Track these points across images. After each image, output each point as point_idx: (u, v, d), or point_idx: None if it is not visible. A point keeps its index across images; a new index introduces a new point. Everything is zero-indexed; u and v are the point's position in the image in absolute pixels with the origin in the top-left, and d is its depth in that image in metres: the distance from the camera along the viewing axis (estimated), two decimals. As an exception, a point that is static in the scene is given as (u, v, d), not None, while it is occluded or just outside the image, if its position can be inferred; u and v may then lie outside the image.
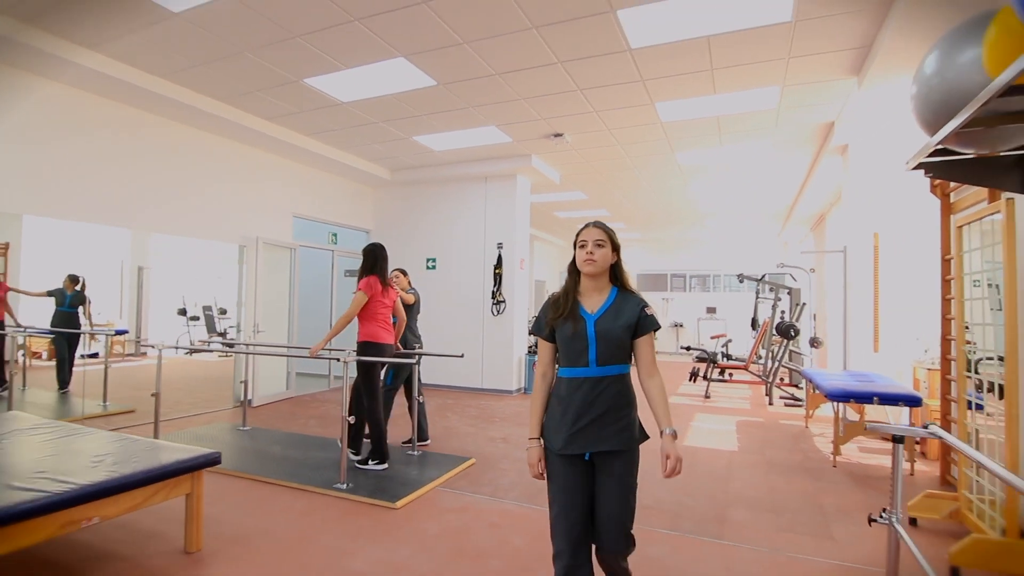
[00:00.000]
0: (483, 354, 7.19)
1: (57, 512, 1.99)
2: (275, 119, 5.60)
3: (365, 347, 3.76)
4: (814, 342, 7.21)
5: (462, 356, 4.67)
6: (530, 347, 7.53)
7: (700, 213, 10.36)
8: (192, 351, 7.12)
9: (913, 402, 3.84)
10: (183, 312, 7.93)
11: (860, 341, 5.71)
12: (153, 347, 4.29)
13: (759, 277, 8.22)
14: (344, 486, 3.29)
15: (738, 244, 14.36)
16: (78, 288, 5.17)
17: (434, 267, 7.66)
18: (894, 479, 1.94)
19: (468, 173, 7.22)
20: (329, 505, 3.09)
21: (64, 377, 5.36)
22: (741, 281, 8.14)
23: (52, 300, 5.12)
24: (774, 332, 7.26)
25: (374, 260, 3.84)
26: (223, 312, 8.09)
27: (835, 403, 4.20)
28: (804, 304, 7.57)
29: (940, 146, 2.38)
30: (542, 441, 1.70)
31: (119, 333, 6.05)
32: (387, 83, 4.59)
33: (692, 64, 4.12)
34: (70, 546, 2.48)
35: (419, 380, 4.30)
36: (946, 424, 3.51)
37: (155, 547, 2.51)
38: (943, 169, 2.75)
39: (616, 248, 1.74)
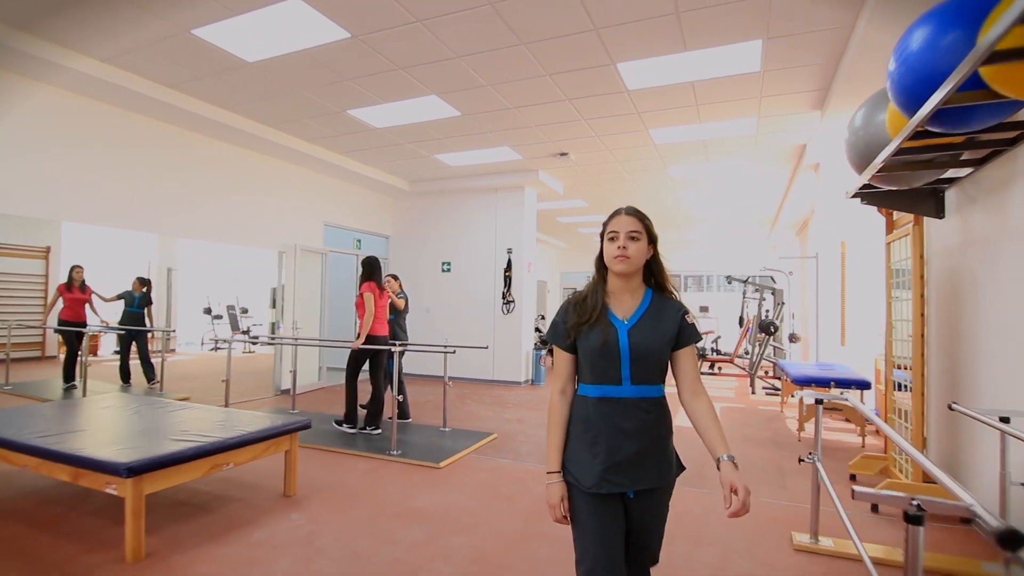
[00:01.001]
0: (495, 348, 7.93)
1: (208, 457, 2.73)
2: (314, 140, 6.33)
3: (368, 339, 4.67)
4: (792, 337, 7.97)
5: (486, 348, 5.45)
6: (535, 343, 8.27)
7: (692, 218, 11.11)
8: (253, 342, 7.82)
9: (863, 386, 4.60)
10: (208, 311, 8.66)
11: (830, 336, 6.48)
12: (226, 342, 5.02)
13: (745, 279, 8.98)
14: (396, 452, 4.03)
15: (730, 246, 15.12)
16: (145, 290, 5.89)
17: (449, 270, 8.40)
18: (816, 432, 2.69)
19: (480, 185, 7.96)
20: (385, 466, 3.83)
21: (125, 369, 6.04)
22: (729, 282, 8.91)
23: (122, 302, 5.84)
24: (758, 329, 8.02)
25: (372, 270, 4.84)
26: (244, 311, 8.83)
27: (799, 386, 4.97)
28: (783, 304, 8.33)
29: (867, 183, 3.14)
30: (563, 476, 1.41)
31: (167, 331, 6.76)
32: (418, 113, 5.32)
33: (680, 101, 4.86)
34: (208, 485, 3.22)
35: (400, 368, 4.96)
36: (888, 403, 4.27)
37: (261, 492, 3.25)
38: (875, 198, 3.52)
39: (653, 240, 1.45)
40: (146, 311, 5.94)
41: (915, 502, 1.34)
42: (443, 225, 8.48)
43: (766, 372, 8.69)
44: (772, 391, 7.52)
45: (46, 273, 5.32)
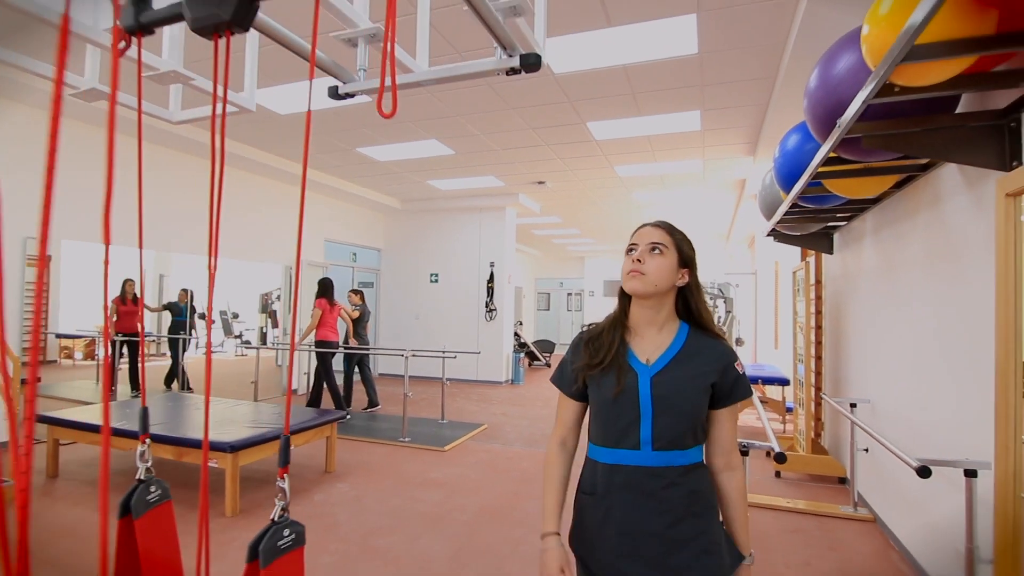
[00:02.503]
0: (479, 351, 8.83)
1: (276, 440, 3.58)
2: (322, 169, 7.13)
3: (320, 344, 5.69)
4: (738, 341, 9.11)
5: (479, 353, 6.38)
6: (514, 346, 9.20)
7: (655, 232, 12.24)
8: (274, 347, 8.49)
9: (784, 382, 5.69)
10: (202, 316, 9.34)
11: (766, 342, 7.61)
12: (254, 346, 5.79)
13: (700, 289, 10.11)
14: (406, 439, 4.92)
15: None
16: (188, 301, 6.56)
17: (436, 280, 9.27)
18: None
19: (466, 205, 8.85)
20: (399, 450, 4.71)
21: (172, 375, 6.52)
22: (686, 291, 10.01)
23: (168, 312, 6.51)
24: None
25: (324, 289, 5.90)
26: (235, 316, 9.53)
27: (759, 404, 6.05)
28: (731, 312, 9.48)
29: (775, 227, 4.17)
30: (561, 540, 1.12)
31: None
32: (418, 151, 6.20)
33: (639, 147, 5.88)
34: (268, 465, 4.05)
35: (368, 367, 6.23)
36: (796, 395, 5.35)
37: (309, 470, 4.10)
38: (783, 237, 4.56)
39: (687, 262, 1.16)
40: (192, 320, 6.61)
41: (781, 454, 2.33)
42: (431, 240, 9.34)
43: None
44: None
45: (47, 280, 5.95)
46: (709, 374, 1.10)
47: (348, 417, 5.60)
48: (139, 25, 0.96)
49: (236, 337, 9.46)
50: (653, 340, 1.15)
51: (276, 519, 0.91)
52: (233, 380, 8.14)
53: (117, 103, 0.98)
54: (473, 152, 6.19)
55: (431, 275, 9.32)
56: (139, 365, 5.92)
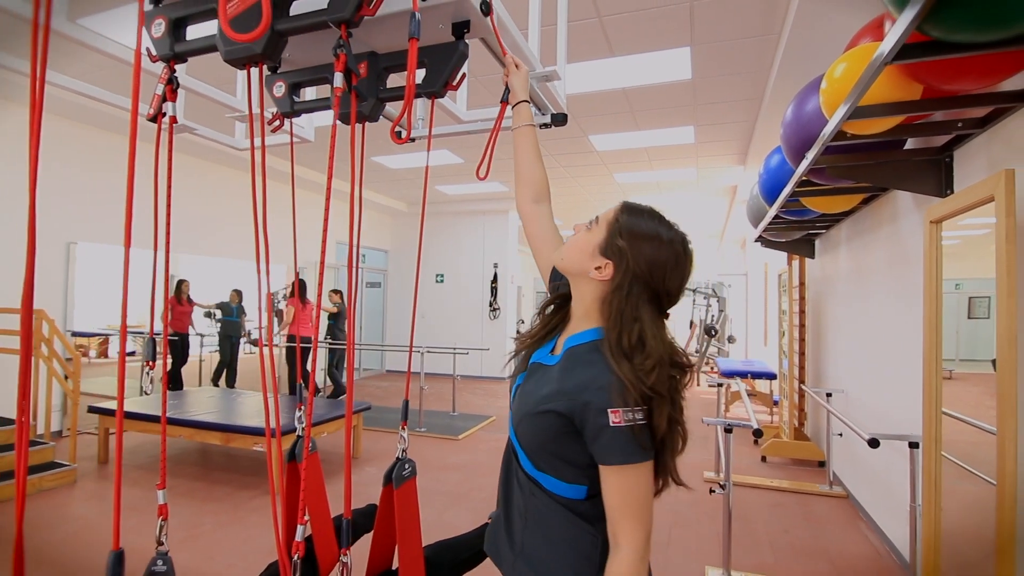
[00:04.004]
0: (487, 348, 9.24)
1: (317, 426, 3.96)
2: (335, 175, 7.49)
3: (291, 338, 6.07)
4: (730, 339, 9.56)
5: (488, 349, 6.78)
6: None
7: (651, 234, 12.68)
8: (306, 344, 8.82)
9: (771, 376, 6.11)
10: (209, 315, 9.70)
11: (756, 339, 8.04)
12: (277, 345, 6.17)
13: (694, 288, 10.54)
14: (422, 428, 5.32)
15: (685, 255, 16.77)
16: (240, 301, 6.92)
17: (442, 281, 9.67)
18: (718, 403, 4.11)
19: (471, 209, 9.24)
20: (417, 439, 5.11)
21: (220, 372, 6.89)
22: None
23: (219, 311, 6.86)
24: (703, 332, 9.57)
25: (296, 288, 6.32)
26: (243, 313, 9.89)
27: (726, 378, 6.46)
28: (724, 311, 9.92)
29: (761, 234, 4.58)
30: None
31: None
32: (433, 159, 6.58)
33: (637, 158, 6.28)
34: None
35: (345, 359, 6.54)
36: (782, 388, 5.78)
37: (336, 455, 4.49)
38: (769, 243, 4.98)
39: (614, 253, 0.88)
40: (242, 319, 6.98)
41: (758, 430, 2.74)
42: (437, 242, 9.73)
43: (711, 368, 10.26)
44: (715, 384, 9.05)
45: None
46: (558, 401, 0.84)
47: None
48: (174, 54, 1.02)
49: (245, 335, 9.81)
50: (566, 334, 0.94)
51: (400, 456, 1.30)
52: (249, 376, 8.54)
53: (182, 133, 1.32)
54: (478, 160, 6.57)
55: (437, 275, 9.71)
56: (181, 364, 6.27)
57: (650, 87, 4.31)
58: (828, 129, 1.96)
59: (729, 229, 10.34)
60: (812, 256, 4.93)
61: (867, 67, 1.53)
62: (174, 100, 1.07)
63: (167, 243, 1.11)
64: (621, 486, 0.80)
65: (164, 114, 1.07)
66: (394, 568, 1.29)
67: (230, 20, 0.87)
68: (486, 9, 1.14)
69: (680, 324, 15.44)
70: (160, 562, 1.08)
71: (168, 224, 0.95)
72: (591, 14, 3.27)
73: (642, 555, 0.79)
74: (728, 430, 2.65)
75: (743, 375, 6.22)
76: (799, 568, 2.76)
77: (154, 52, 1.08)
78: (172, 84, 1.07)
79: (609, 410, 0.79)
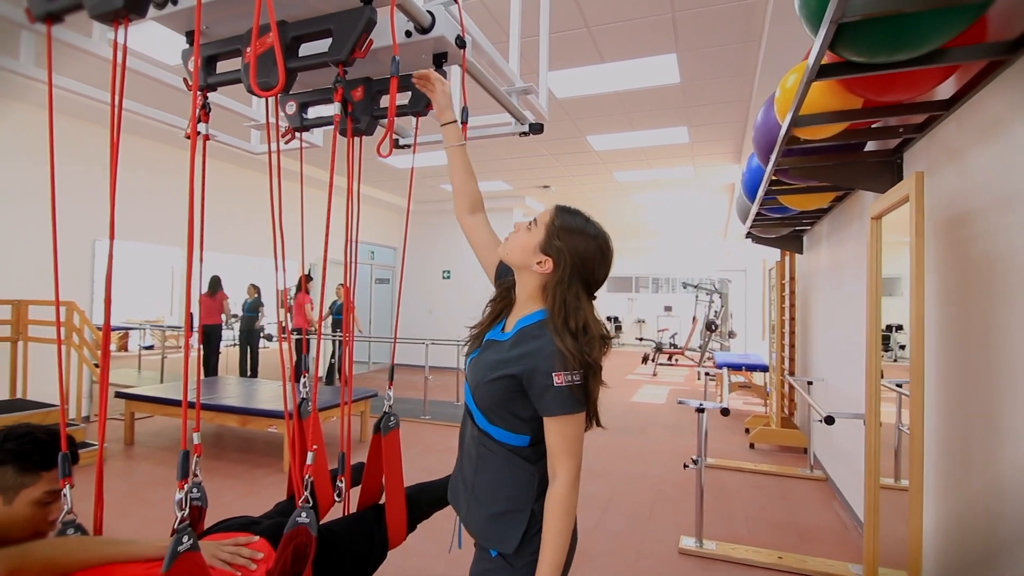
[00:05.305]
0: (487, 343, 9.51)
1: (328, 409, 4.24)
2: (344, 175, 7.77)
3: (297, 331, 6.32)
4: (731, 334, 9.73)
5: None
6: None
7: (651, 231, 12.86)
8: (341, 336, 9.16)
9: (764, 368, 6.31)
10: (234, 316, 10.06)
11: (755, 333, 8.22)
12: (302, 336, 6.47)
13: (696, 284, 10.72)
14: (427, 416, 5.59)
15: (690, 252, 16.92)
16: (256, 296, 7.25)
17: (449, 277, 9.94)
18: (705, 390, 4.33)
19: (476, 206, 9.47)
20: (422, 425, 5.38)
21: (246, 365, 7.25)
22: (684, 287, 10.63)
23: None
24: (704, 327, 9.76)
25: (300, 284, 6.58)
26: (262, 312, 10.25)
27: (725, 370, 6.66)
28: (725, 307, 10.10)
29: (749, 230, 4.78)
30: None
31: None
32: (435, 160, 6.85)
33: (634, 157, 6.49)
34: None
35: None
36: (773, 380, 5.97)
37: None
38: (759, 239, 5.17)
39: (552, 252, 1.06)
40: (259, 312, 7.31)
41: (726, 409, 2.97)
42: (444, 239, 10.00)
43: (713, 361, 10.45)
44: (706, 374, 9.25)
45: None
46: (511, 367, 1.04)
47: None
48: (207, 84, 1.18)
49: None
50: (514, 315, 1.14)
51: (387, 411, 1.55)
52: (265, 368, 8.89)
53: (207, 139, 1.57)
54: (484, 160, 6.82)
55: (443, 272, 9.98)
56: (216, 356, 6.65)
57: (642, 90, 4.53)
58: (780, 134, 2.18)
59: (732, 225, 10.49)
60: (800, 251, 5.12)
61: (800, 83, 1.75)
62: (207, 121, 1.33)
63: (201, 244, 1.21)
64: (561, 432, 1.01)
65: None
66: (381, 503, 1.55)
67: (257, 58, 1.11)
68: (461, 44, 1.38)
69: (683, 320, 15.62)
70: (195, 490, 1.35)
71: (202, 227, 1.18)
72: (579, 24, 3.50)
73: (574, 483, 1.02)
74: (700, 410, 2.88)
75: (737, 367, 6.42)
76: (768, 538, 2.98)
77: (191, 81, 1.33)
78: (205, 108, 1.32)
79: (553, 373, 0.99)
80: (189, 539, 0.92)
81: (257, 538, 1.26)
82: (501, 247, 1.17)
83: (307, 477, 1.23)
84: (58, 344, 1.21)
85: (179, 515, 0.92)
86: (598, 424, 1.10)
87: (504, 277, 1.24)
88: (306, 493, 1.22)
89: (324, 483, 1.52)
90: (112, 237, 1.14)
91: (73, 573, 0.99)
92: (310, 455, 1.26)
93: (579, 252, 1.05)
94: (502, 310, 1.19)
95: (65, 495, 1.12)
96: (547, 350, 1.01)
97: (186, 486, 0.94)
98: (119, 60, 1.01)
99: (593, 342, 1.02)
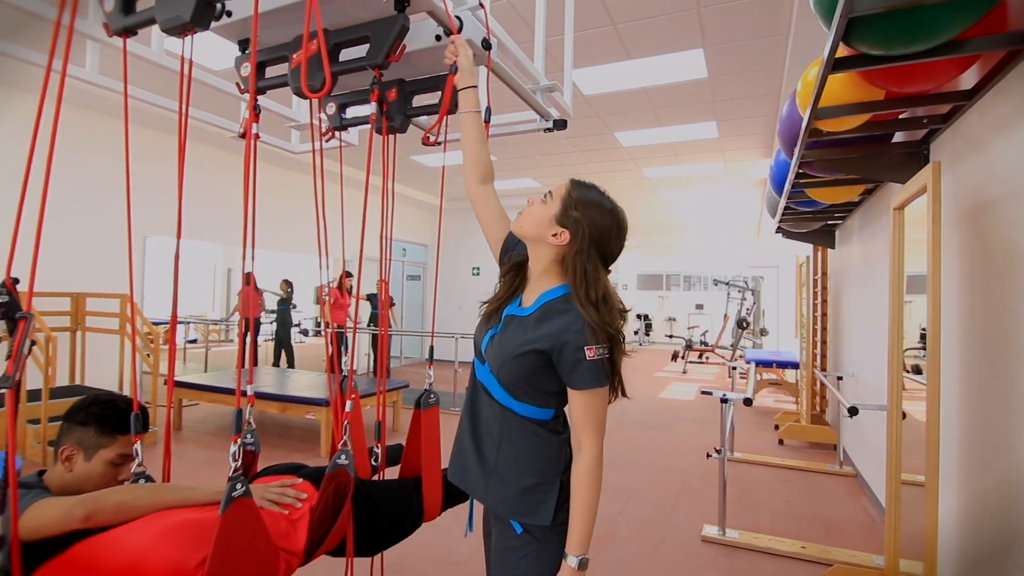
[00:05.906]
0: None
1: (366, 397, 4.41)
2: (377, 173, 7.99)
3: (337, 327, 6.40)
4: (763, 331, 9.58)
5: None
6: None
7: (683, 227, 12.73)
8: (372, 331, 9.48)
9: (795, 365, 6.23)
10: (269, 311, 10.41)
11: (787, 330, 8.09)
12: (346, 330, 6.75)
13: (727, 281, 10.59)
14: (456, 408, 5.73)
15: (723, 249, 16.67)
16: (289, 290, 7.58)
17: (478, 274, 10.08)
18: (732, 385, 4.33)
19: (505, 204, 9.39)
20: (453, 416, 5.50)
21: (278, 357, 7.53)
22: (716, 284, 10.51)
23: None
24: (736, 324, 9.64)
25: (343, 281, 6.75)
26: (294, 306, 10.59)
27: (753, 364, 6.61)
28: (756, 304, 9.94)
29: (779, 225, 4.75)
30: None
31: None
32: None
33: (663, 152, 6.49)
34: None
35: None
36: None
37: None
38: (789, 234, 5.13)
39: (569, 223, 1.07)
40: (292, 307, 7.65)
41: (748, 399, 3.00)
42: (473, 236, 10.12)
43: (743, 358, 10.31)
44: (746, 375, 9.14)
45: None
46: (540, 342, 1.03)
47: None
48: (257, 88, 1.31)
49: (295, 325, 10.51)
50: (532, 290, 1.14)
51: (427, 387, 1.67)
52: (312, 360, 9.23)
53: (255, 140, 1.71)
54: (513, 158, 6.93)
55: (473, 268, 10.13)
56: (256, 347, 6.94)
57: (669, 86, 4.55)
58: (802, 126, 2.21)
59: (764, 221, 10.32)
60: (832, 246, 5.06)
61: (818, 76, 1.79)
62: (257, 122, 1.47)
63: (253, 239, 1.29)
64: (588, 405, 1.03)
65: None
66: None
67: (306, 62, 1.23)
68: (487, 46, 1.48)
69: (715, 317, 15.40)
70: (249, 436, 1.49)
71: (253, 225, 1.30)
72: (605, 22, 3.56)
73: (599, 455, 1.04)
74: (724, 400, 2.91)
75: (767, 364, 6.37)
76: (792, 529, 3.00)
77: (243, 86, 1.47)
78: (256, 110, 1.46)
79: (585, 347, 1.00)
80: (242, 486, 1.05)
81: (301, 480, 1.37)
82: (515, 221, 1.16)
83: (345, 423, 1.35)
84: (123, 336, 1.36)
85: (233, 465, 1.04)
86: (623, 394, 1.10)
87: (510, 252, 1.25)
88: (345, 437, 1.33)
89: (361, 454, 1.65)
90: (179, 236, 1.28)
91: (141, 515, 1.13)
92: (348, 403, 1.37)
93: (596, 224, 1.07)
94: (518, 284, 1.18)
95: (136, 450, 1.26)
96: (577, 324, 1.01)
97: (240, 439, 1.05)
98: (186, 71, 1.14)
99: (614, 312, 1.04)
